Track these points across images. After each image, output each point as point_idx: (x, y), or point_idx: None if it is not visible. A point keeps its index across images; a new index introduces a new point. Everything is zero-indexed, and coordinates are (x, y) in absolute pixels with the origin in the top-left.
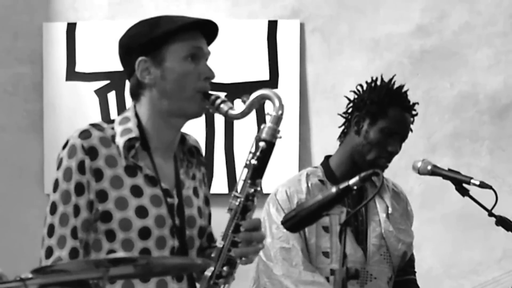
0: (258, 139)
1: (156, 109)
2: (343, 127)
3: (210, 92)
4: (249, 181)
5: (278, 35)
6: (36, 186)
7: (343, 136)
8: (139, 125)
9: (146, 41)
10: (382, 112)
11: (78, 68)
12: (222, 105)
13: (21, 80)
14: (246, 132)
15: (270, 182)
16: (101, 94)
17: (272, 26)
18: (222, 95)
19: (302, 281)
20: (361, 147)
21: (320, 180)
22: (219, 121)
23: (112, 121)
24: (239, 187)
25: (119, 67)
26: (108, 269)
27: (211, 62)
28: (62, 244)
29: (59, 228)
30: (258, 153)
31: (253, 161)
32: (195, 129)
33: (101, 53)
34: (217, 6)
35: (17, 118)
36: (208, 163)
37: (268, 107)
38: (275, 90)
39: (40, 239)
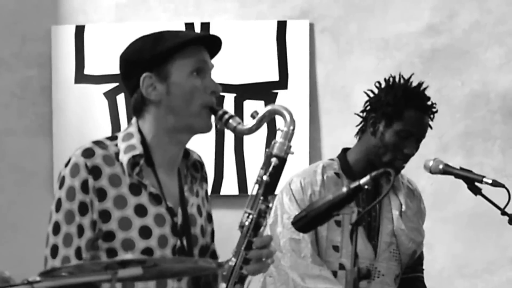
0: (269, 155)
1: (161, 126)
2: (360, 125)
3: (217, 107)
4: (261, 198)
5: (287, 35)
6: (45, 190)
7: (360, 133)
8: (143, 141)
9: (150, 56)
10: (397, 114)
11: (87, 71)
12: (230, 121)
13: (30, 83)
14: (256, 133)
15: (279, 183)
16: (110, 96)
17: (281, 26)
18: (229, 109)
19: (309, 275)
20: (377, 149)
21: (336, 173)
22: None
23: (115, 138)
24: (250, 204)
25: None
26: (117, 272)
27: (221, 64)
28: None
29: (63, 249)
30: (270, 169)
31: (265, 177)
32: None
33: (109, 55)
34: (225, 8)
35: (26, 122)
36: (218, 164)
37: (278, 119)
38: (286, 91)
39: None
